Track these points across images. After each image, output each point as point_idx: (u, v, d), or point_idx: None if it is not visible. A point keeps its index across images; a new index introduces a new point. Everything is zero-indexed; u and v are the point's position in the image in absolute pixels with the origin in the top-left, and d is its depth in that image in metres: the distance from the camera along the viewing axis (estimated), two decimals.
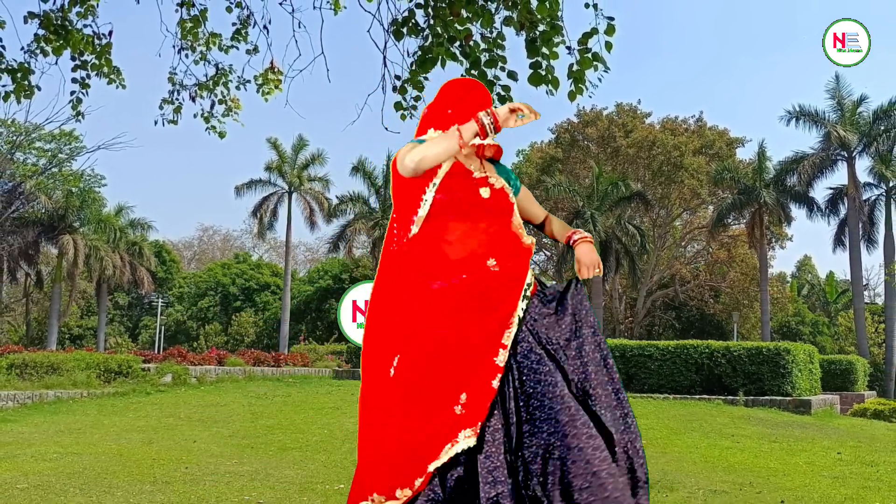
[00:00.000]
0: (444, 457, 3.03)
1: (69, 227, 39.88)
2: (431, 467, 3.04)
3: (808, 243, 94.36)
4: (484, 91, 3.44)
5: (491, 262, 3.20)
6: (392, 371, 3.20)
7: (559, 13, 5.07)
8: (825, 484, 7.41)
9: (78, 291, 43.79)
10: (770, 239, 41.04)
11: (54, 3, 6.18)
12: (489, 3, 5.38)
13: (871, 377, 32.70)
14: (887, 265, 37.65)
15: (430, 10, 5.54)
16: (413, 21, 5.63)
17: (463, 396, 3.09)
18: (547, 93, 5.16)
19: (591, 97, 5.49)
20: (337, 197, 43.12)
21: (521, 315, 3.22)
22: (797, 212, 40.90)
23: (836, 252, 40.87)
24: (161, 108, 6.89)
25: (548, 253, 47.28)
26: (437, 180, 3.22)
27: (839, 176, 39.40)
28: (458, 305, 3.19)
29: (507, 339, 3.15)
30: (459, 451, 3.02)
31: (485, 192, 3.25)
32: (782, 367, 18.00)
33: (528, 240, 3.31)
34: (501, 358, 3.13)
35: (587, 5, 5.02)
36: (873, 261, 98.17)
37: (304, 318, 50.43)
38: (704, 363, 18.62)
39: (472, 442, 3.01)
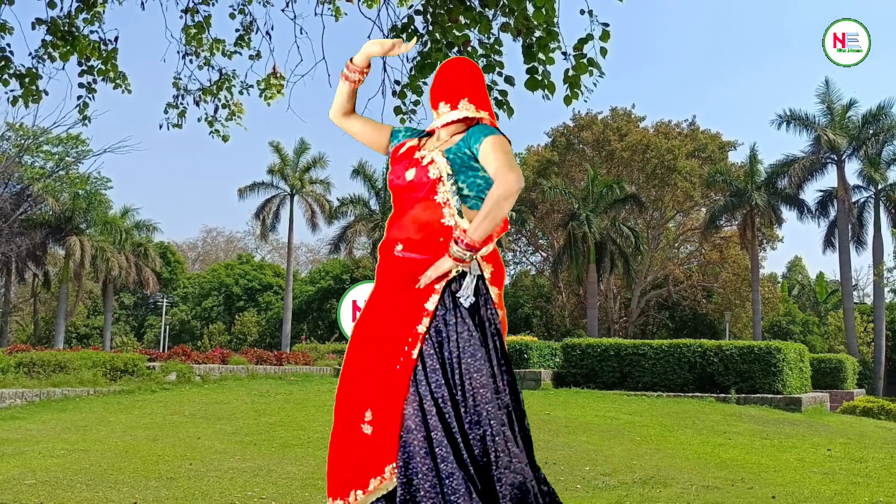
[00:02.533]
0: (376, 493, 2.85)
1: (76, 229, 39.87)
2: (357, 497, 2.87)
3: (798, 244, 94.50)
4: (463, 68, 3.22)
5: (398, 247, 3.02)
6: None
7: (555, 20, 5.08)
8: (815, 480, 7.41)
9: (84, 291, 43.81)
10: (761, 240, 41.08)
11: (61, 9, 6.18)
12: (487, 9, 5.38)
13: (861, 375, 32.72)
14: (876, 266, 37.70)
15: (429, 16, 5.54)
16: (412, 27, 5.64)
17: (368, 414, 2.91)
18: (543, 97, 5.17)
19: (586, 102, 5.50)
20: (338, 199, 43.21)
21: (433, 308, 2.93)
22: (788, 214, 41.01)
23: (825, 253, 41.02)
24: (166, 112, 6.89)
25: (544, 254, 47.28)
26: (390, 166, 3.18)
27: (829, 178, 39.53)
28: (373, 296, 3.07)
29: (422, 327, 2.91)
30: (391, 489, 2.83)
31: (410, 174, 3.07)
32: (773, 365, 18.01)
33: (452, 220, 2.98)
34: (415, 351, 2.89)
35: (582, 12, 5.02)
36: (862, 262, 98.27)
37: (305, 317, 50.42)
38: (697, 362, 18.63)
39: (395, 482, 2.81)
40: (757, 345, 18.82)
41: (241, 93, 6.89)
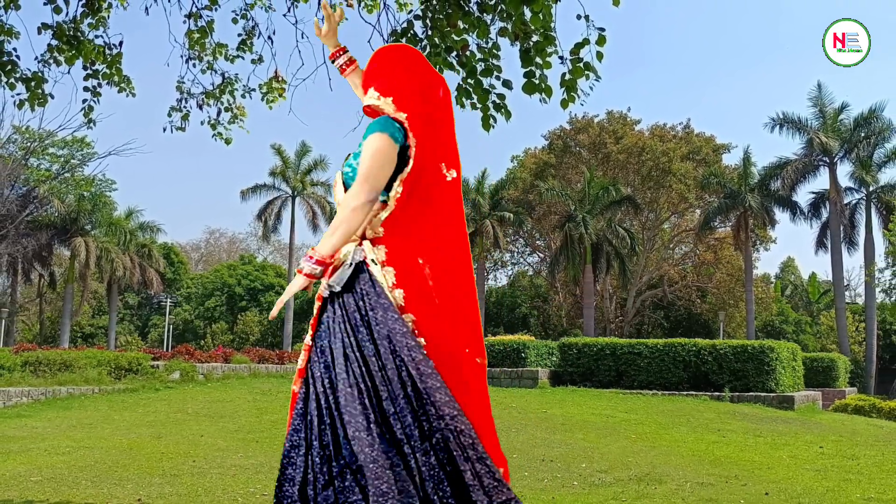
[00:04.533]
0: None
1: (81, 230, 39.87)
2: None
3: (791, 245, 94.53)
4: (377, 56, 3.12)
5: None
6: None
7: (552, 24, 5.07)
8: (808, 477, 7.41)
9: (89, 292, 43.77)
10: (755, 241, 41.11)
11: (67, 14, 6.17)
12: (485, 14, 5.38)
13: (852, 374, 32.75)
14: (867, 266, 37.73)
15: (428, 21, 5.54)
16: (412, 32, 5.63)
17: None
18: (540, 101, 5.16)
19: (582, 105, 5.48)
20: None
21: (320, 305, 2.85)
22: (781, 215, 41.07)
23: (818, 254, 40.99)
24: (169, 115, 6.87)
25: (541, 255, 47.28)
26: None
27: (821, 181, 39.65)
28: None
29: (308, 339, 2.86)
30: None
31: None
32: (766, 364, 18.01)
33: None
34: (300, 361, 2.86)
35: (579, 17, 5.02)
36: (854, 262, 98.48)
37: (307, 317, 50.32)
38: (692, 360, 18.63)
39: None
40: (750, 344, 18.82)
41: (243, 96, 6.87)
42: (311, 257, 2.76)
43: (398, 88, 2.98)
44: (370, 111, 3.03)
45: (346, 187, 2.90)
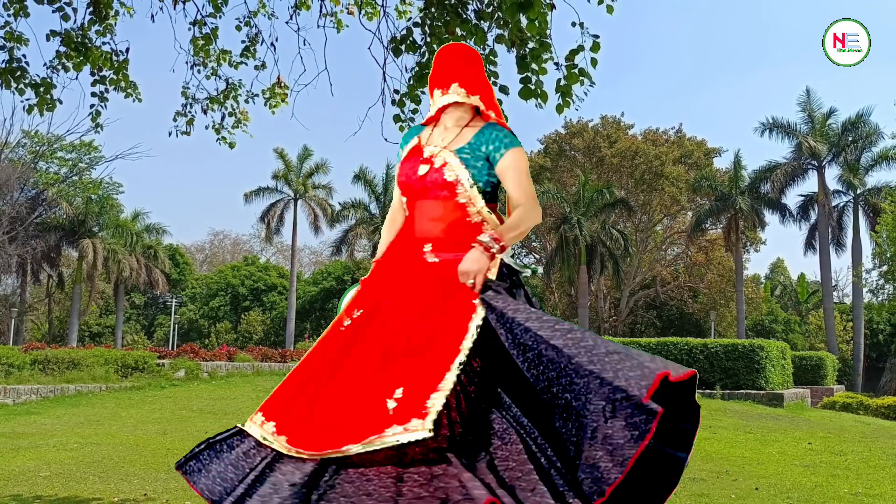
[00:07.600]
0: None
1: (89, 232, 39.84)
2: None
3: (780, 247, 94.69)
4: (455, 53, 3.04)
5: (427, 247, 2.86)
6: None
7: (547, 31, 5.07)
8: (797, 472, 7.41)
9: (97, 292, 43.74)
10: (745, 243, 41.11)
11: (75, 21, 6.17)
12: (482, 21, 5.38)
13: (840, 372, 32.77)
14: (855, 267, 37.75)
15: (426, 28, 5.54)
16: (411, 39, 5.64)
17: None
18: (536, 106, 5.16)
19: (577, 110, 5.50)
20: (339, 203, 43.22)
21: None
22: (770, 217, 41.07)
23: (807, 255, 41.01)
24: (175, 120, 6.87)
25: (537, 256, 47.28)
26: (398, 168, 3.06)
27: (810, 184, 39.61)
28: (392, 295, 2.81)
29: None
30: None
31: (422, 170, 2.92)
32: (756, 362, 18.02)
33: (479, 217, 2.87)
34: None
35: (574, 24, 5.02)
36: (842, 263, 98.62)
37: (308, 316, 50.37)
38: (684, 359, 18.62)
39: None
40: (741, 343, 18.83)
41: (246, 101, 6.88)
42: (498, 240, 2.74)
43: (483, 90, 3.03)
44: (448, 106, 3.00)
45: (468, 166, 2.88)
